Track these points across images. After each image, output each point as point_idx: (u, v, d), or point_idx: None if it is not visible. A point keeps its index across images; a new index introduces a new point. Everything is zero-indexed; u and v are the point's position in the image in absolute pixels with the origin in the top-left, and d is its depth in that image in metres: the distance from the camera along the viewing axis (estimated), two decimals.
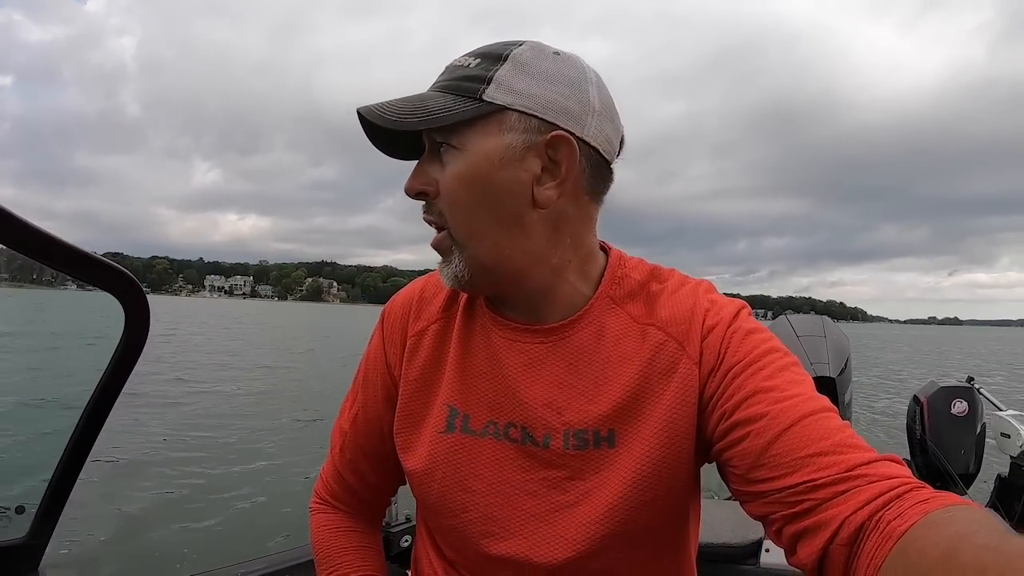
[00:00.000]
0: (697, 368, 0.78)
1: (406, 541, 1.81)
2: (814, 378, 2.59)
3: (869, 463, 0.64)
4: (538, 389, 0.82)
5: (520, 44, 0.79)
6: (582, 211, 0.82)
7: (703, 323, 0.80)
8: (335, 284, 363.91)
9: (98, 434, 1.00)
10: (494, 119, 0.76)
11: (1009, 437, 3.03)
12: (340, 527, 1.00)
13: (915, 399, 3.27)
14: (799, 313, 3.66)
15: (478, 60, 0.77)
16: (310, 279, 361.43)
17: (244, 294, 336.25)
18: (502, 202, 0.77)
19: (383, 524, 1.84)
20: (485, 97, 0.75)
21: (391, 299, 0.98)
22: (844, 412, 2.86)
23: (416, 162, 0.81)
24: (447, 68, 0.79)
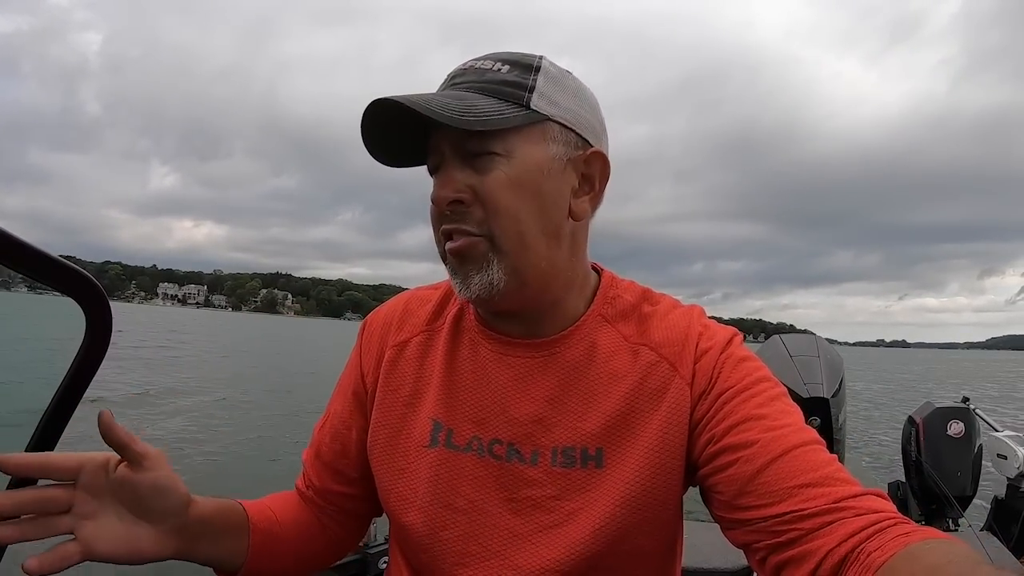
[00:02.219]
0: (689, 389, 0.78)
1: (384, 563, 1.76)
2: (808, 399, 2.55)
3: (855, 496, 0.65)
4: (527, 405, 0.81)
5: (540, 56, 0.80)
6: (587, 228, 0.85)
7: (696, 346, 0.80)
8: (290, 296, 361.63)
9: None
10: (537, 128, 0.77)
11: (1006, 458, 3.00)
12: (292, 502, 0.96)
13: (910, 420, 3.23)
14: (790, 333, 3.63)
15: (508, 66, 0.78)
16: (265, 290, 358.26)
17: (198, 303, 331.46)
18: (547, 212, 0.78)
19: (360, 545, 1.82)
20: (532, 105, 0.76)
21: (374, 311, 0.97)
22: (838, 433, 2.81)
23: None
24: (470, 70, 0.78)
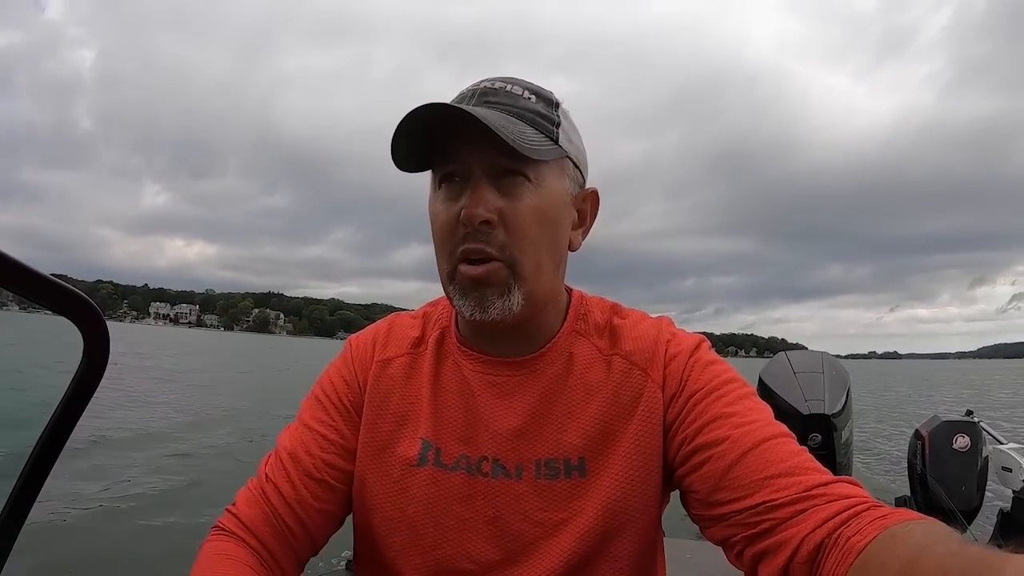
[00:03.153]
0: (661, 392, 0.82)
1: None
2: (808, 415, 2.52)
3: (827, 484, 0.67)
4: (510, 420, 0.84)
5: (550, 91, 0.85)
6: None
7: (666, 352, 0.84)
8: (282, 316, 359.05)
9: (41, 485, 0.93)
10: (559, 163, 0.82)
11: (1011, 471, 2.99)
12: (233, 556, 0.80)
13: (916, 433, 3.21)
14: (799, 350, 3.60)
15: (535, 97, 0.82)
16: (257, 310, 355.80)
17: (190, 323, 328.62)
18: (558, 242, 0.84)
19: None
20: (560, 141, 0.81)
21: (357, 333, 0.98)
22: (841, 449, 2.78)
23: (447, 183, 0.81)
24: (502, 92, 0.80)
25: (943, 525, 0.58)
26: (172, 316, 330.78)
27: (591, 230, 0.91)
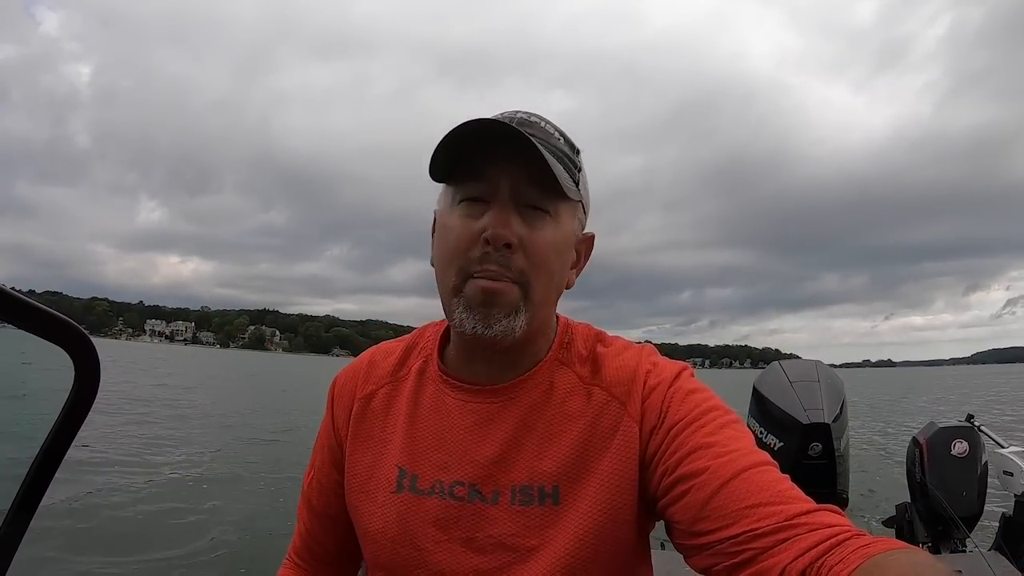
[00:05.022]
0: (638, 427, 0.83)
1: None
2: (808, 424, 2.50)
3: (808, 512, 0.67)
4: (487, 447, 0.86)
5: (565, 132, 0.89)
6: None
7: (644, 383, 0.85)
8: (278, 332, 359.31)
9: (35, 510, 0.93)
10: (572, 204, 0.86)
11: (1012, 475, 2.97)
12: None
13: (914, 441, 3.19)
14: (792, 359, 3.59)
15: (562, 140, 0.87)
16: (252, 327, 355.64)
17: (185, 340, 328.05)
18: (562, 275, 0.88)
19: None
20: (580, 185, 0.87)
21: (342, 370, 1.03)
22: (840, 458, 2.76)
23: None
24: (536, 127, 0.84)
25: (927, 555, 0.58)
26: (168, 333, 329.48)
27: (583, 270, 0.96)
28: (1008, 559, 2.84)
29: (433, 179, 0.86)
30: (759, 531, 0.67)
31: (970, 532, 2.88)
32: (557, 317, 0.95)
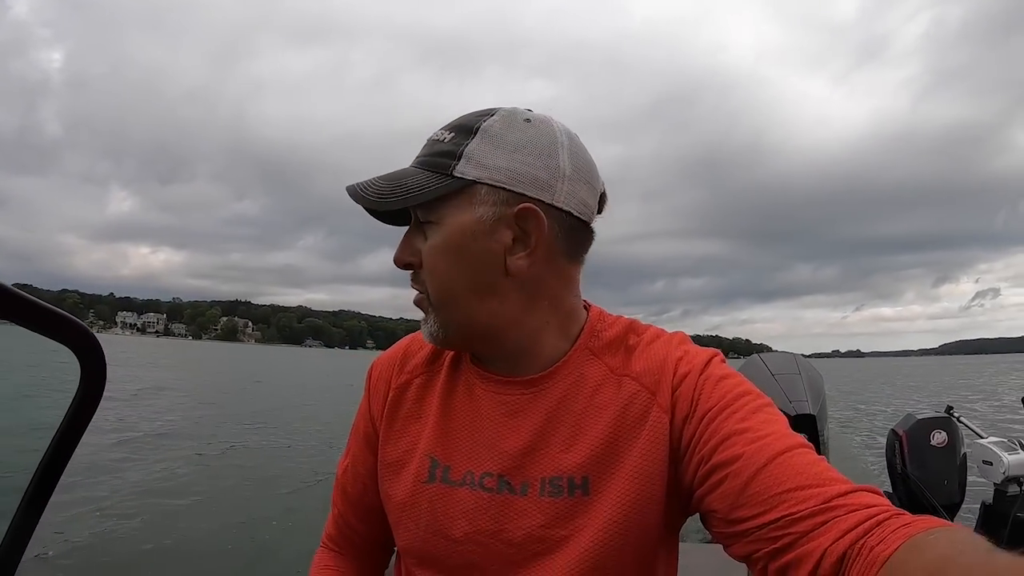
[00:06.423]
0: (668, 416, 0.81)
1: None
2: (795, 416, 2.53)
3: (846, 494, 0.66)
4: (517, 439, 0.85)
5: (492, 114, 0.83)
6: (559, 274, 0.86)
7: (675, 372, 0.83)
8: (250, 324, 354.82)
9: (41, 512, 0.94)
10: (465, 193, 0.80)
11: (991, 464, 3.03)
12: (332, 567, 1.04)
13: (893, 433, 3.26)
14: (771, 352, 3.64)
15: (452, 134, 0.82)
16: (225, 318, 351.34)
17: (157, 332, 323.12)
18: (475, 271, 0.82)
19: None
20: (456, 173, 0.80)
21: (378, 356, 1.03)
22: (823, 448, 2.82)
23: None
24: (427, 142, 0.84)
25: (967, 532, 0.57)
26: (139, 325, 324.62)
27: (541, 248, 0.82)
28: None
29: (396, 225, 0.90)
30: (797, 515, 0.66)
31: (952, 520, 2.94)
32: (588, 307, 0.93)
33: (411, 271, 0.86)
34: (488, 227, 0.80)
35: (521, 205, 0.80)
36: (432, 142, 0.83)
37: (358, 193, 0.82)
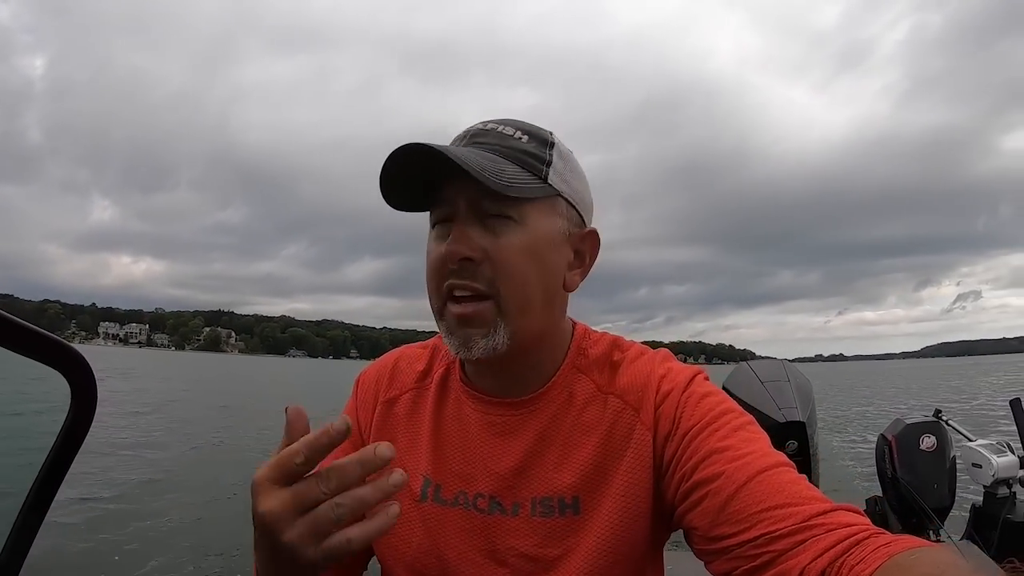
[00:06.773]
0: (651, 434, 0.83)
1: None
2: (785, 423, 2.53)
3: (826, 513, 0.67)
4: (508, 459, 0.86)
5: (550, 132, 0.86)
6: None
7: (658, 390, 0.85)
8: (233, 334, 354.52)
9: (35, 533, 0.92)
10: (549, 202, 0.83)
11: (981, 467, 3.06)
12: None
13: (883, 438, 3.27)
14: (759, 359, 3.64)
15: (526, 137, 0.83)
16: (208, 328, 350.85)
17: (140, 343, 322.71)
18: (548, 280, 0.83)
19: None
20: (549, 180, 0.82)
21: (366, 367, 1.01)
22: (813, 454, 2.81)
23: (445, 224, 0.82)
24: (492, 133, 0.82)
25: (949, 552, 0.57)
26: (122, 336, 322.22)
27: (591, 270, 0.91)
28: (980, 547, 2.95)
29: (402, 209, 0.84)
30: (777, 533, 0.66)
31: (942, 523, 2.97)
32: (573, 323, 0.94)
33: (461, 267, 0.79)
34: (561, 239, 0.85)
35: (588, 228, 0.89)
36: (502, 136, 0.82)
37: (455, 158, 0.73)
